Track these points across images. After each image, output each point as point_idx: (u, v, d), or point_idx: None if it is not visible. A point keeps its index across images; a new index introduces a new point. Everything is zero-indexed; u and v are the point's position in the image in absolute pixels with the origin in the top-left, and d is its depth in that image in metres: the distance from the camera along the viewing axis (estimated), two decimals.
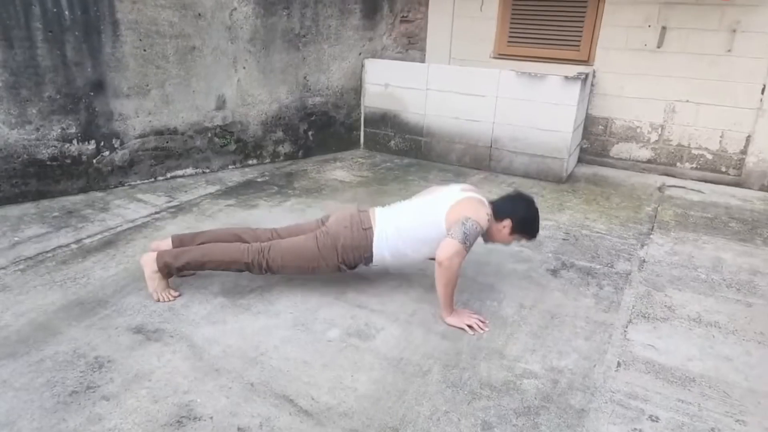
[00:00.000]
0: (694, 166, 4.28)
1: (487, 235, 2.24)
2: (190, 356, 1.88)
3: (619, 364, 1.96)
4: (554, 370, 1.91)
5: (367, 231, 2.19)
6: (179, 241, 2.34)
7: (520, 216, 2.20)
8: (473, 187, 2.34)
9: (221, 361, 1.87)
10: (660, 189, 4.06)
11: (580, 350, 2.03)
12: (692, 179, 4.27)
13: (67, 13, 3.01)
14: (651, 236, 3.13)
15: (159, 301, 2.20)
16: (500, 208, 2.21)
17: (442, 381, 1.82)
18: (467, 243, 2.04)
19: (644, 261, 2.80)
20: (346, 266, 2.23)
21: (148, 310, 2.15)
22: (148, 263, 2.20)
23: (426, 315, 2.21)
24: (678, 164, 4.33)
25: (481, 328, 2.11)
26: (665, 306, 2.38)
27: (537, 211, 2.26)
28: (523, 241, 2.35)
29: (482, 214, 2.11)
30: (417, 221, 2.19)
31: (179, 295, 2.26)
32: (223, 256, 2.20)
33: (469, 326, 2.10)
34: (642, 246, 2.99)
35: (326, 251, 2.18)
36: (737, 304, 2.41)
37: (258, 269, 2.21)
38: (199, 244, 2.30)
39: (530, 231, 2.26)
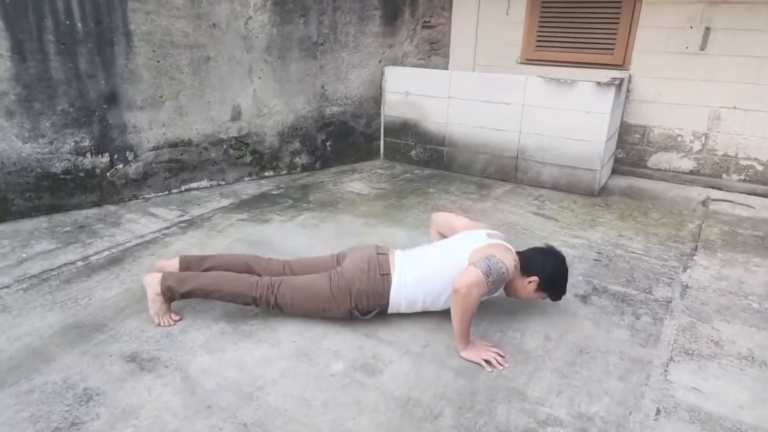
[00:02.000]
0: (742, 177, 3.93)
1: (510, 289, 2.09)
2: (183, 390, 1.76)
3: (658, 411, 1.72)
4: (583, 417, 1.69)
5: (385, 277, 2.04)
6: (186, 263, 2.23)
7: (548, 274, 2.04)
8: (500, 234, 2.18)
9: (215, 397, 1.73)
10: (704, 203, 3.73)
11: (612, 393, 1.80)
12: (740, 192, 3.92)
13: (80, 25, 2.98)
14: (694, 257, 2.84)
15: (159, 325, 2.10)
16: (528, 262, 2.05)
17: (453, 426, 1.63)
18: (490, 277, 1.87)
19: (687, 286, 2.53)
20: (359, 312, 2.08)
21: (145, 335, 2.04)
22: (152, 284, 2.10)
23: (440, 347, 2.02)
24: (724, 176, 3.98)
25: (501, 364, 1.91)
26: (712, 341, 2.11)
27: (567, 271, 2.10)
28: (547, 300, 2.16)
29: (509, 260, 1.97)
30: (439, 268, 2.04)
31: (180, 319, 2.14)
32: (230, 288, 2.08)
33: (487, 361, 1.90)
34: (684, 269, 2.71)
35: (339, 294, 2.04)
36: None
37: (265, 305, 2.09)
38: (206, 270, 2.19)
39: (557, 291, 2.10)
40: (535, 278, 2.03)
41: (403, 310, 2.11)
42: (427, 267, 2.07)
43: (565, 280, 2.11)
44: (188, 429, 1.60)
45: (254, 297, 2.06)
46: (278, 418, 1.65)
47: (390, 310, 2.10)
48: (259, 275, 2.15)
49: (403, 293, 2.05)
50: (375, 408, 1.70)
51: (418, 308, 2.11)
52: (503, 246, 2.05)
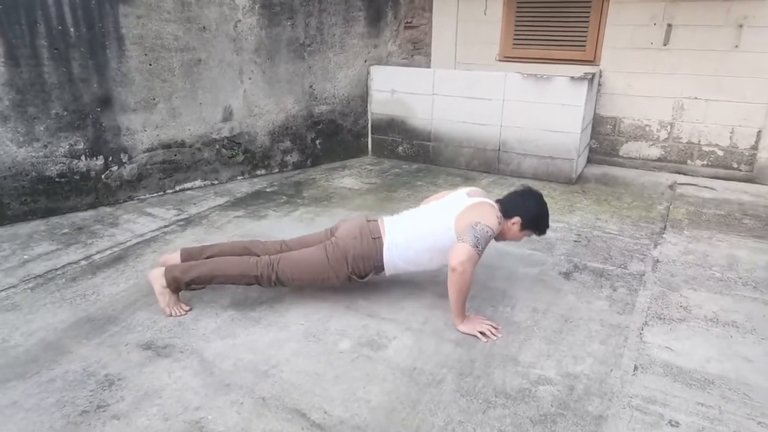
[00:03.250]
0: (705, 163, 4.22)
1: (498, 234, 2.21)
2: (201, 372, 1.87)
3: (636, 368, 1.91)
4: (570, 376, 1.87)
5: (377, 240, 2.18)
6: (187, 255, 2.34)
7: (529, 212, 2.20)
8: (480, 191, 2.33)
9: (232, 376, 1.85)
10: (671, 187, 4.00)
11: (595, 354, 1.99)
12: (704, 176, 4.21)
13: (72, 30, 3.04)
14: (664, 235, 3.08)
15: (170, 315, 2.20)
16: (509, 206, 2.21)
17: (456, 390, 1.79)
18: (479, 247, 2.02)
19: (658, 261, 2.75)
20: (357, 276, 2.21)
21: (157, 325, 2.14)
22: (157, 279, 2.20)
23: (438, 322, 2.18)
24: (689, 161, 4.27)
25: (494, 335, 2.08)
26: (681, 306, 2.33)
27: (546, 206, 2.25)
28: (534, 236, 2.32)
29: (492, 218, 2.11)
30: (426, 229, 2.18)
31: (190, 309, 2.25)
32: (232, 270, 2.20)
33: (482, 333, 2.07)
34: (655, 245, 2.94)
35: (336, 262, 2.17)
36: (754, 303, 2.35)
37: (267, 282, 2.20)
38: (208, 257, 2.30)
39: (540, 226, 2.25)
40: (517, 219, 2.18)
41: (402, 267, 2.23)
42: (415, 228, 2.20)
43: (546, 213, 2.24)
44: (211, 405, 1.72)
45: (256, 276, 2.17)
46: (294, 391, 1.78)
47: (387, 270, 2.23)
48: (258, 256, 2.26)
49: (395, 254, 2.18)
50: (383, 378, 1.85)
51: (413, 268, 2.24)
52: (485, 203, 2.18)
